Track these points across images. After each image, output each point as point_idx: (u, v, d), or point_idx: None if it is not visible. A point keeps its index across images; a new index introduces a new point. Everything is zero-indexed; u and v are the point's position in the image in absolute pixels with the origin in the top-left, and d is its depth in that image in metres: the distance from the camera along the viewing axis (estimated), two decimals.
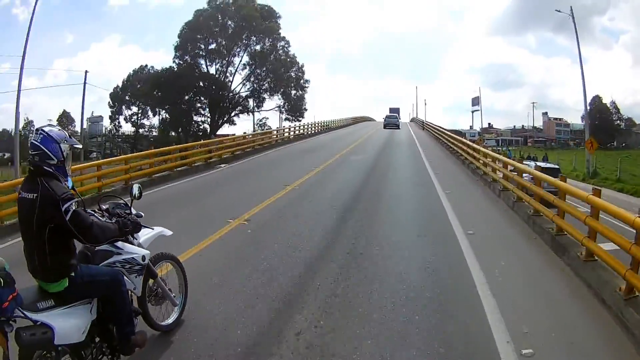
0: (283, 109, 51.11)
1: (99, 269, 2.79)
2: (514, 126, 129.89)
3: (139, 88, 48.18)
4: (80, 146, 2.83)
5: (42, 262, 2.48)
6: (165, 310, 3.54)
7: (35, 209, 2.41)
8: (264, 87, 50.73)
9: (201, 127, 48.74)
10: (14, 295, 2.28)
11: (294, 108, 51.73)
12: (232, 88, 49.80)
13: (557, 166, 18.40)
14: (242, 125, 60.66)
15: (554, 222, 6.18)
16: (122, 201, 3.26)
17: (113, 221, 2.89)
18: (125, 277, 2.89)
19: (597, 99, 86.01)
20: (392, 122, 42.39)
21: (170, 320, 3.55)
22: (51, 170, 2.52)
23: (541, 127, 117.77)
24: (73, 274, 2.55)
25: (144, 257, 3.08)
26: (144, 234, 3.31)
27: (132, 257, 2.99)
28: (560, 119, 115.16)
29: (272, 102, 51.67)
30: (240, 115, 51.13)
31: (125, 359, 2.89)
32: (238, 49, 48.77)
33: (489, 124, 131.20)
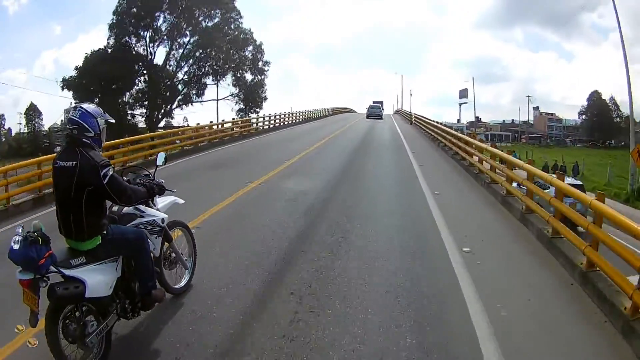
0: (237, 98, 43.34)
1: (126, 228, 3.25)
2: (503, 120, 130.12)
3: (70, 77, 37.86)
4: (113, 120, 3.32)
5: (78, 222, 2.86)
6: (177, 275, 3.95)
7: (75, 175, 2.82)
8: (205, 71, 42.03)
9: (131, 121, 39.41)
10: (49, 253, 2.64)
11: (250, 96, 43.30)
12: (178, 74, 41.85)
13: (579, 182, 14.87)
14: (193, 118, 50.31)
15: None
16: (144, 171, 3.79)
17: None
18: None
19: (595, 95, 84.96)
20: (375, 112, 42.94)
21: (182, 283, 4.00)
22: (89, 141, 2.95)
23: (532, 122, 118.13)
24: (105, 232, 2.97)
25: (163, 220, 3.59)
26: (161, 202, 3.80)
27: (153, 220, 3.49)
28: (552, 114, 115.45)
29: (226, 91, 44.01)
30: (185, 106, 42.98)
31: (139, 319, 3.39)
32: (186, 27, 40.52)
33: (477, 117, 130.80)
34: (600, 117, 77.12)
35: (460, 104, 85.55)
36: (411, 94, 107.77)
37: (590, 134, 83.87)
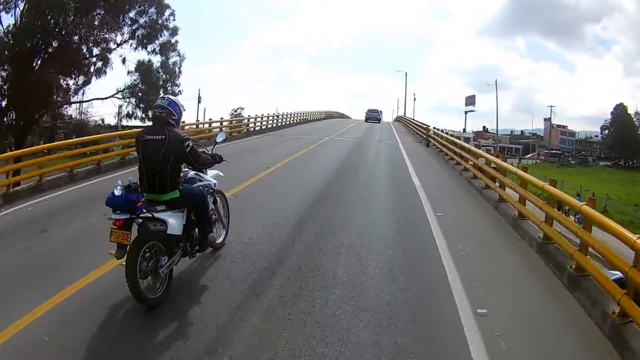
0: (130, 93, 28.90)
1: (193, 187, 4.41)
2: (511, 131, 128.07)
3: None
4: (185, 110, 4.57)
5: (162, 180, 3.97)
6: (216, 232, 5.00)
7: (164, 145, 3.93)
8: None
9: None
10: (144, 199, 3.72)
11: (152, 90, 28.11)
12: None
13: None
14: None
15: None
16: (204, 149, 5.16)
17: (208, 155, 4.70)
18: None
19: (620, 109, 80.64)
20: (373, 115, 45.75)
21: (220, 239, 5.23)
22: (173, 122, 4.15)
23: (541, 135, 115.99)
24: (180, 188, 4.11)
25: (214, 184, 4.96)
26: (210, 173, 5.06)
27: (208, 183, 4.81)
28: (564, 127, 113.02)
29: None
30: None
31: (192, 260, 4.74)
32: None
33: (484, 127, 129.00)
34: (624, 132, 72.10)
35: (466, 112, 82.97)
36: (415, 98, 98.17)
37: (613, 150, 79.15)
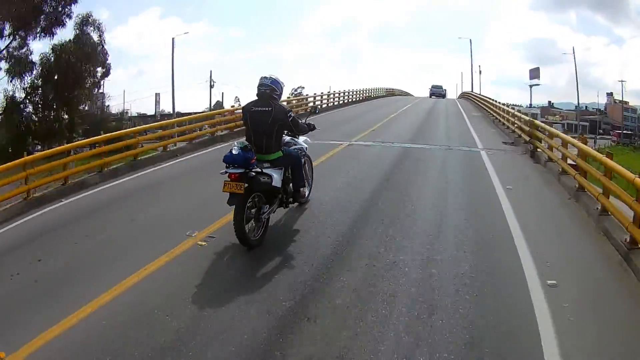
0: None
1: (291, 149, 5.47)
2: (576, 106, 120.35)
3: None
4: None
5: (268, 143, 4.97)
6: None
7: (271, 115, 4.90)
8: None
9: None
10: (255, 158, 4.69)
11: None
12: None
13: None
14: None
15: None
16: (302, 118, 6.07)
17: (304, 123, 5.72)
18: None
19: None
20: (437, 91, 48.46)
21: (307, 194, 6.09)
22: (276, 97, 5.13)
23: (605, 111, 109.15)
24: (282, 150, 5.15)
25: (306, 148, 6.10)
26: (301, 139, 6.13)
27: (302, 147, 5.92)
28: (626, 102, 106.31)
29: None
30: None
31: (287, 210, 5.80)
32: None
33: (550, 102, 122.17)
34: None
35: (531, 86, 78.96)
36: (480, 71, 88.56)
37: None
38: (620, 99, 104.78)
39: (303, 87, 65.65)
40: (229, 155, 4.66)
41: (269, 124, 5.01)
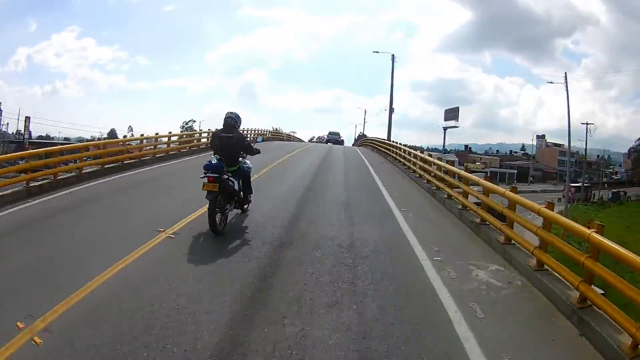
0: None
1: (243, 165, 9.14)
2: (497, 150, 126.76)
3: None
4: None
5: (231, 159, 8.53)
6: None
7: (233, 140, 8.63)
8: None
9: None
10: (224, 167, 8.23)
11: None
12: None
13: None
14: None
15: None
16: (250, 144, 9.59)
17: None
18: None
19: None
20: (334, 138, 57.45)
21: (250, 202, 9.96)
22: (237, 127, 9.02)
23: (527, 153, 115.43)
24: (239, 165, 8.90)
25: (250, 167, 9.70)
26: (248, 161, 9.65)
27: (249, 165, 9.54)
28: (559, 145, 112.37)
29: None
30: None
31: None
32: None
33: (467, 146, 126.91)
34: None
35: (445, 128, 78.36)
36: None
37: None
38: (549, 141, 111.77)
39: (194, 121, 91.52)
40: (208, 163, 8.06)
41: (233, 146, 8.68)
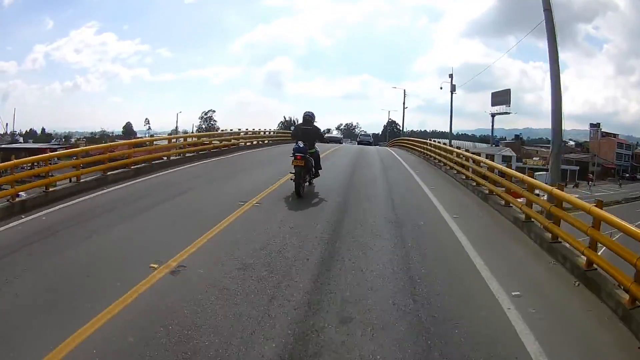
0: None
1: (317, 149, 15.07)
2: (544, 138, 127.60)
3: None
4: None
5: (311, 144, 14.26)
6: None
7: (311, 131, 14.63)
8: None
9: None
10: (307, 150, 13.93)
11: None
12: None
13: None
14: None
15: None
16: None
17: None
18: None
19: None
20: (365, 140, 69.48)
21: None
22: (313, 121, 15.09)
23: (580, 143, 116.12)
24: (315, 148, 14.76)
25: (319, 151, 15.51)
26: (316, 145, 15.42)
27: (318, 150, 15.29)
28: (614, 135, 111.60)
29: None
30: None
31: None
32: None
33: (517, 135, 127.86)
34: None
35: (494, 115, 78.95)
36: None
37: None
38: (605, 130, 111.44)
39: (214, 111, 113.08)
40: (297, 147, 12.86)
41: (310, 135, 13.61)
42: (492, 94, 76.83)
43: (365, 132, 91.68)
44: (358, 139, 74.29)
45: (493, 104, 75.46)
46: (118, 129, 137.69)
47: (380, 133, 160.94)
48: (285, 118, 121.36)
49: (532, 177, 12.32)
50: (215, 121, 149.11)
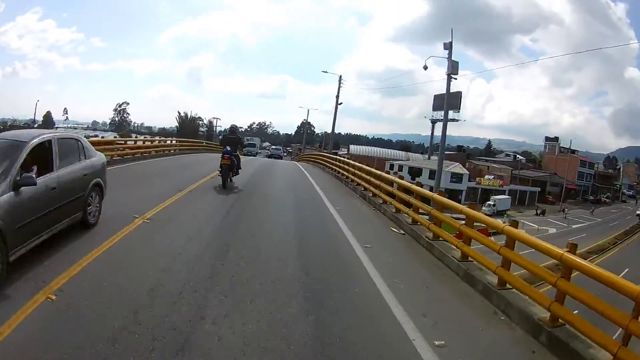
0: None
1: (238, 154, 24.15)
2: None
3: None
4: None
5: (234, 149, 22.75)
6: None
7: (236, 139, 23.89)
8: None
9: None
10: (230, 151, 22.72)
11: None
12: None
13: None
14: None
15: None
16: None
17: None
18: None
19: None
20: (276, 153, 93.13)
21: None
22: (236, 132, 26.46)
23: (535, 158, 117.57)
24: (237, 152, 23.91)
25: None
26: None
27: (238, 155, 24.52)
28: (573, 151, 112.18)
29: None
30: None
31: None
32: None
33: (461, 147, 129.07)
34: None
35: (434, 121, 77.51)
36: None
37: None
38: (563, 146, 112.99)
39: (128, 103, 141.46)
40: (225, 150, 21.50)
41: (235, 142, 22.71)
42: (435, 96, 74.95)
43: (277, 146, 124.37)
44: (269, 152, 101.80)
45: (435, 108, 73.32)
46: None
47: (293, 134, 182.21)
48: (179, 113, 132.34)
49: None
50: (129, 114, 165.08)
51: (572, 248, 7.73)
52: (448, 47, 37.06)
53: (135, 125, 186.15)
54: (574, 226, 76.89)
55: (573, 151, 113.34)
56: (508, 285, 9.19)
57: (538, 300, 8.21)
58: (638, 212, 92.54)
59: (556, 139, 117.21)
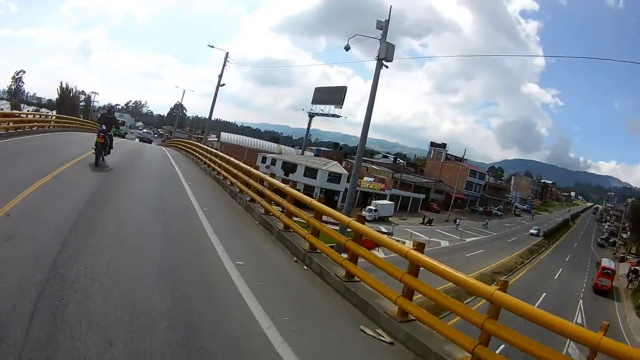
0: None
1: (112, 133, 27.29)
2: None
3: None
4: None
5: (109, 128, 26.25)
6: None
7: (112, 118, 27.25)
8: None
9: None
10: (105, 130, 25.88)
11: None
12: None
13: None
14: None
15: None
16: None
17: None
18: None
19: None
20: (146, 137, 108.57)
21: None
22: (113, 112, 30.55)
23: (412, 162, 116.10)
24: (112, 132, 27.17)
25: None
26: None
27: (112, 135, 28.16)
28: (459, 159, 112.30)
29: None
30: None
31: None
32: None
33: (337, 144, 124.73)
34: None
35: (312, 115, 72.79)
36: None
37: None
38: (450, 153, 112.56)
39: (24, 72, 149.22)
40: (101, 129, 24.48)
41: (110, 122, 25.96)
42: (316, 89, 70.13)
43: (147, 130, 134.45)
44: (140, 135, 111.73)
45: (315, 102, 68.02)
46: None
47: (165, 115, 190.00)
48: (61, 84, 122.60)
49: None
50: (23, 83, 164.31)
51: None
52: (383, 26, 30.80)
53: (28, 94, 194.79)
54: (467, 239, 77.86)
55: (460, 159, 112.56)
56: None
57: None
58: (531, 231, 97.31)
59: (444, 145, 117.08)
